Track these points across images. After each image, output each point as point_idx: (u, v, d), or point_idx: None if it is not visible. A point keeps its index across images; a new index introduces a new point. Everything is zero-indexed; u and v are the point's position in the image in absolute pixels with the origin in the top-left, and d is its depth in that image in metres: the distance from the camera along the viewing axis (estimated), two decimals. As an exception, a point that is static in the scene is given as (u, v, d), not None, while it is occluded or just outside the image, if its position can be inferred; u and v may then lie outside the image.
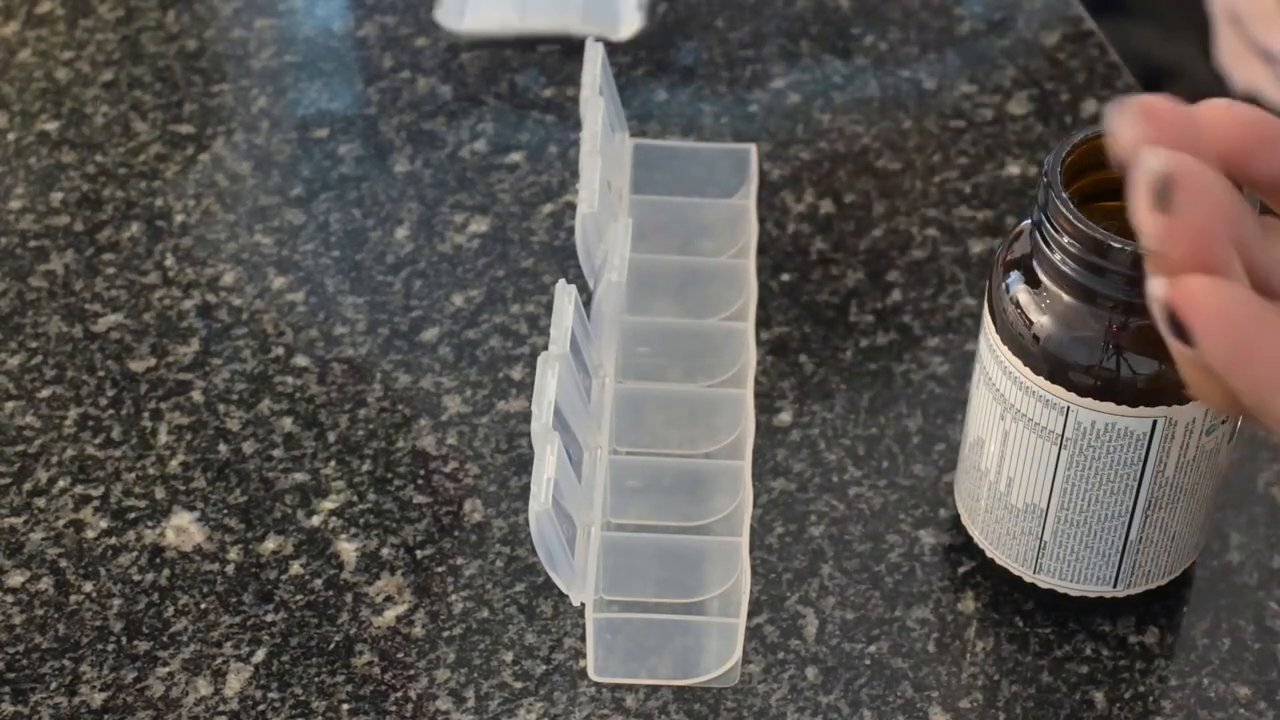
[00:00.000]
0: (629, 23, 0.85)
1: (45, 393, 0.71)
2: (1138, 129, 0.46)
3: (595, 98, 0.69)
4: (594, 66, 0.70)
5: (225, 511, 0.67)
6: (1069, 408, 0.57)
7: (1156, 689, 0.62)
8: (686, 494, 0.66)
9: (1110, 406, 0.57)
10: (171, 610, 0.64)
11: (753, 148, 0.76)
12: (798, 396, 0.71)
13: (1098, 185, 0.58)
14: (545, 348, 0.63)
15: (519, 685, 0.62)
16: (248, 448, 0.69)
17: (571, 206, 0.78)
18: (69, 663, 0.62)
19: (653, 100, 0.83)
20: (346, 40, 0.86)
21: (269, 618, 0.64)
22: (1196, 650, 0.63)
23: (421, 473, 0.68)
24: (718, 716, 0.61)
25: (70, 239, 0.76)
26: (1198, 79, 1.09)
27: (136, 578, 0.65)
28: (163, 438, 0.69)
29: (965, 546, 0.65)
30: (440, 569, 0.65)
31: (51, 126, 0.81)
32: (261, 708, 0.61)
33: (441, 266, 0.75)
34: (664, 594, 0.63)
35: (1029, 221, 0.58)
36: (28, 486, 0.68)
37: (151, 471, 0.68)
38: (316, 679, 0.62)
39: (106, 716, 0.61)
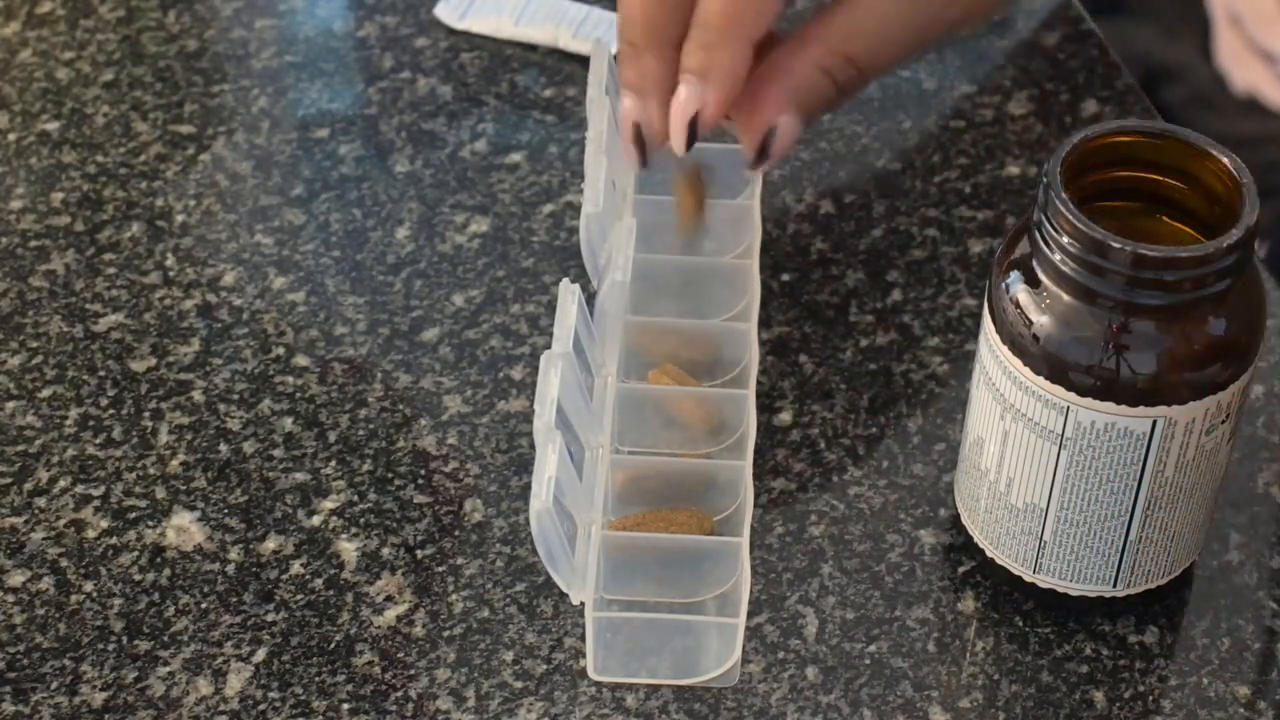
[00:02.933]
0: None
1: (46, 392, 0.71)
2: None
3: (601, 97, 0.69)
4: (601, 66, 0.70)
5: (226, 511, 0.67)
6: (1069, 408, 0.57)
7: (1156, 689, 0.62)
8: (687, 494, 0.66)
9: (1110, 406, 0.57)
10: (172, 610, 0.64)
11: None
12: (798, 396, 0.71)
13: (1098, 185, 0.58)
14: (546, 347, 0.63)
15: (519, 685, 0.62)
16: (248, 447, 0.69)
17: (572, 206, 0.78)
18: (70, 662, 0.62)
19: (653, 100, 0.83)
20: (347, 40, 0.86)
21: (269, 617, 0.64)
22: (1196, 650, 0.63)
23: (422, 472, 0.68)
24: (718, 716, 0.61)
25: (71, 239, 0.76)
26: (1198, 79, 1.09)
27: (137, 577, 0.65)
28: (163, 437, 0.69)
29: (965, 546, 0.66)
30: (440, 569, 0.65)
31: (52, 126, 0.81)
32: (262, 707, 0.61)
33: (442, 266, 0.76)
34: (664, 594, 0.63)
35: (1029, 221, 0.58)
36: (28, 486, 0.68)
37: (152, 471, 0.68)
38: (317, 679, 0.62)
39: (107, 716, 0.61)
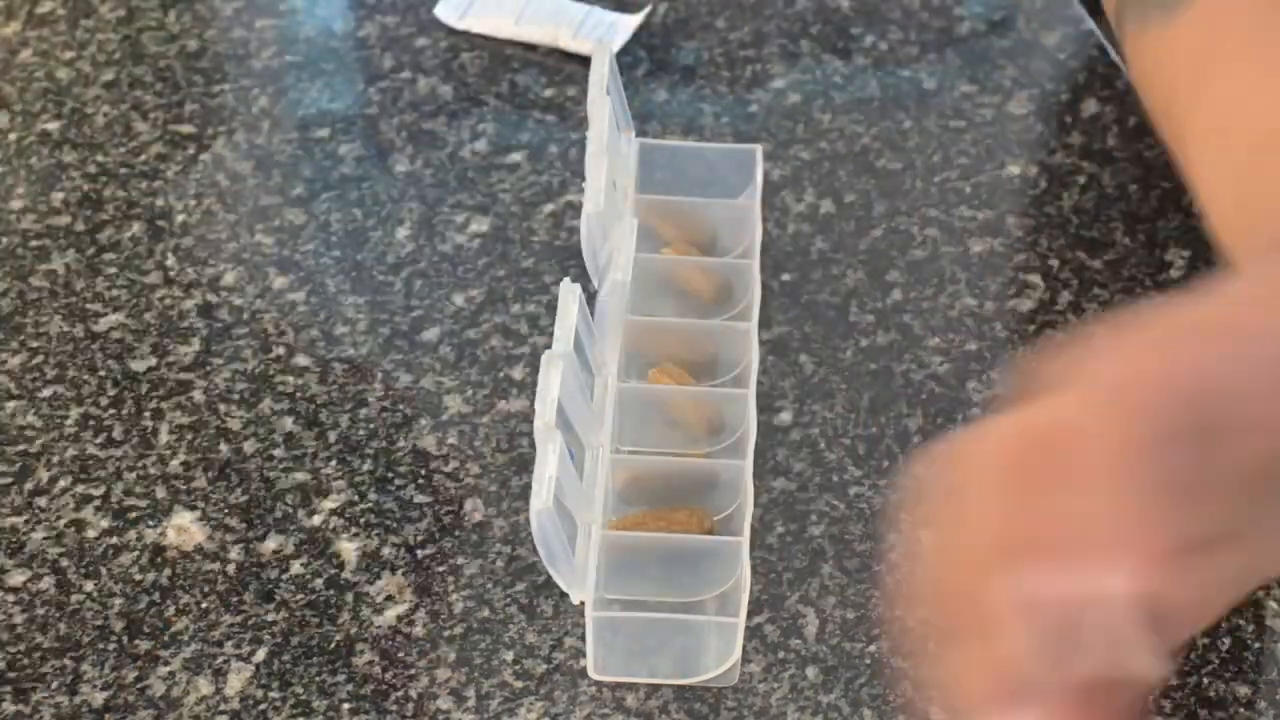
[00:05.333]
0: (619, 40, 0.85)
1: (46, 392, 0.71)
2: None
3: (602, 97, 0.69)
4: (602, 66, 0.70)
5: (226, 511, 0.67)
6: None
7: (1156, 689, 0.62)
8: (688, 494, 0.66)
9: None
10: (172, 610, 0.64)
11: (758, 149, 0.76)
12: (798, 396, 0.71)
13: None
14: (546, 347, 0.63)
15: (519, 684, 0.62)
16: (249, 447, 0.69)
17: (572, 206, 0.78)
18: (70, 662, 0.62)
19: (653, 100, 0.83)
20: (347, 40, 0.86)
21: (270, 617, 0.64)
22: (1196, 650, 0.63)
23: (422, 472, 0.68)
24: (718, 716, 0.61)
25: (71, 239, 0.76)
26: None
27: (137, 577, 0.65)
28: (164, 437, 0.69)
29: (965, 546, 0.66)
30: (441, 568, 0.65)
31: (53, 126, 0.81)
32: (262, 707, 0.61)
33: (442, 266, 0.76)
34: (664, 593, 0.63)
35: None
36: (29, 486, 0.68)
37: (152, 471, 0.68)
38: (317, 678, 0.62)
39: (108, 716, 0.61)
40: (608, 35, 0.85)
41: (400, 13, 0.87)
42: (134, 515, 0.67)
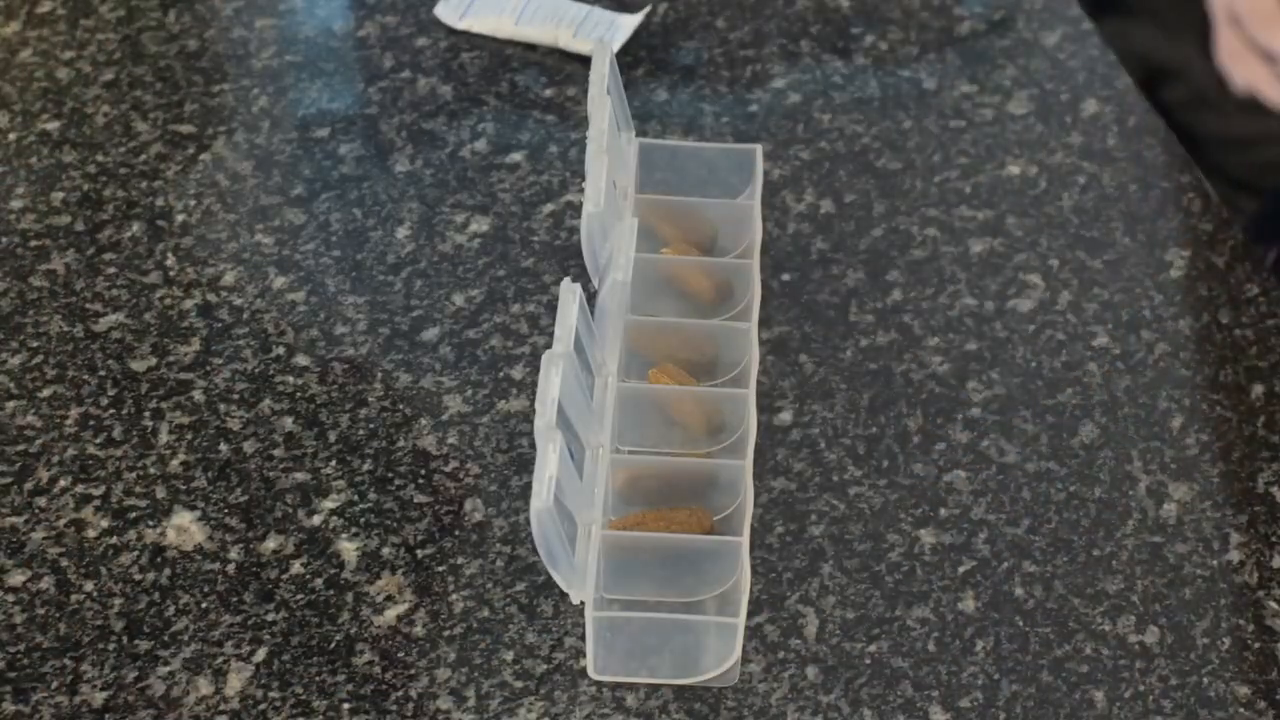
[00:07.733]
0: (619, 40, 0.85)
1: (46, 392, 0.71)
2: None
3: (602, 97, 0.69)
4: (602, 66, 0.70)
5: (226, 511, 0.67)
6: None
7: (1156, 689, 0.62)
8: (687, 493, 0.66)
9: None
10: (172, 609, 0.64)
11: (758, 148, 0.76)
12: (798, 396, 0.71)
13: None
14: (546, 347, 0.63)
15: (519, 684, 0.62)
16: (248, 447, 0.69)
17: (572, 206, 0.78)
18: (70, 662, 0.62)
19: (653, 100, 0.83)
20: (347, 40, 0.86)
21: (270, 617, 0.64)
22: (1196, 650, 0.63)
23: (422, 472, 0.68)
24: (718, 716, 0.61)
25: (71, 238, 0.76)
26: (1197, 79, 1.09)
27: (137, 577, 0.65)
28: (164, 437, 0.69)
29: (965, 546, 0.66)
30: (441, 568, 0.65)
31: (53, 126, 0.81)
32: (262, 707, 0.61)
33: (442, 266, 0.76)
34: (664, 594, 0.63)
35: None
36: (29, 486, 0.68)
37: (152, 471, 0.68)
38: (317, 678, 0.62)
39: (107, 715, 0.61)
40: (608, 35, 0.85)
41: (400, 13, 0.87)
42: (134, 515, 0.67)
